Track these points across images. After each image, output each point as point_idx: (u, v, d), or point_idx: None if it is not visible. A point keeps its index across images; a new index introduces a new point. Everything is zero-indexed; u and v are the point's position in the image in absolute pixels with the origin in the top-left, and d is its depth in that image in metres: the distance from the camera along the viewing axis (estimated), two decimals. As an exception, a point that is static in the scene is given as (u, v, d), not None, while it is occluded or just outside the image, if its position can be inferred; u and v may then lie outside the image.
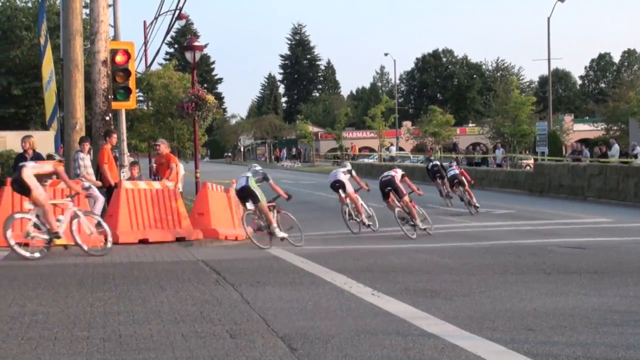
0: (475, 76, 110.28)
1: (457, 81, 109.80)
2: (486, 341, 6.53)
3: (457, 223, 18.78)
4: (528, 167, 39.30)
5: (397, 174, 16.74)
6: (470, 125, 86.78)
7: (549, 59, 49.20)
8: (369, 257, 12.62)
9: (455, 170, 22.49)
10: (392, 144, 66.30)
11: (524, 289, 9.32)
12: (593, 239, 15.23)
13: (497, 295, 8.85)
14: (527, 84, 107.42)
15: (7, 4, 27.86)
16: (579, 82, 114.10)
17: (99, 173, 14.62)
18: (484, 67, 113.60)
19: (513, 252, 13.14)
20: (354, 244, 14.42)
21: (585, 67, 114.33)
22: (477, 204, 21.72)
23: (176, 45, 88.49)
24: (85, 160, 14.16)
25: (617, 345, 6.45)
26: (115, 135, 15.27)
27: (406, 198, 16.28)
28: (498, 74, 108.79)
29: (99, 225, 12.36)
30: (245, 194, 14.08)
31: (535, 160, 38.62)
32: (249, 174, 14.32)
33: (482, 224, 18.52)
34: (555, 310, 7.95)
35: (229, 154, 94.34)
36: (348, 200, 16.73)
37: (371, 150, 75.81)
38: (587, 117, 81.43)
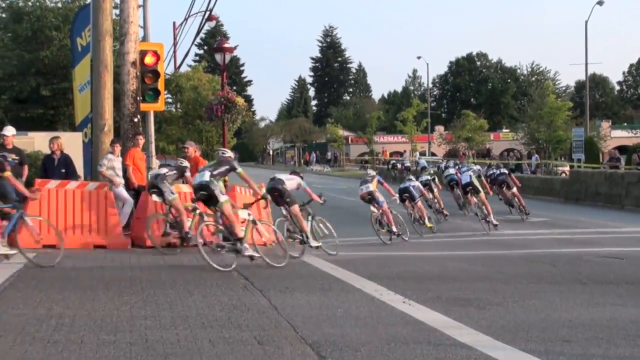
0: (509, 80, 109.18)
1: (491, 85, 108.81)
2: (520, 352, 6.40)
3: (491, 230, 18.52)
4: (564, 174, 38.77)
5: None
6: (504, 130, 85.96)
7: (586, 64, 48.71)
8: (400, 264, 12.47)
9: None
10: (418, 151, 65.90)
11: (559, 299, 9.14)
12: (631, 249, 14.92)
13: (532, 305, 8.67)
14: (563, 89, 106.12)
15: (37, 4, 27.97)
16: (617, 87, 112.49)
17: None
18: (518, 71, 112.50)
19: (548, 261, 12.90)
20: (384, 251, 14.27)
21: (624, 73, 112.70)
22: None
23: (206, 47, 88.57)
24: (113, 162, 14.11)
25: (657, 360, 6.26)
26: (140, 137, 15.18)
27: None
28: (533, 79, 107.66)
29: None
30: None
31: (571, 167, 38.10)
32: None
33: (517, 232, 18.25)
34: (591, 321, 7.77)
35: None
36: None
37: (402, 155, 75.50)
38: (626, 124, 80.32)
